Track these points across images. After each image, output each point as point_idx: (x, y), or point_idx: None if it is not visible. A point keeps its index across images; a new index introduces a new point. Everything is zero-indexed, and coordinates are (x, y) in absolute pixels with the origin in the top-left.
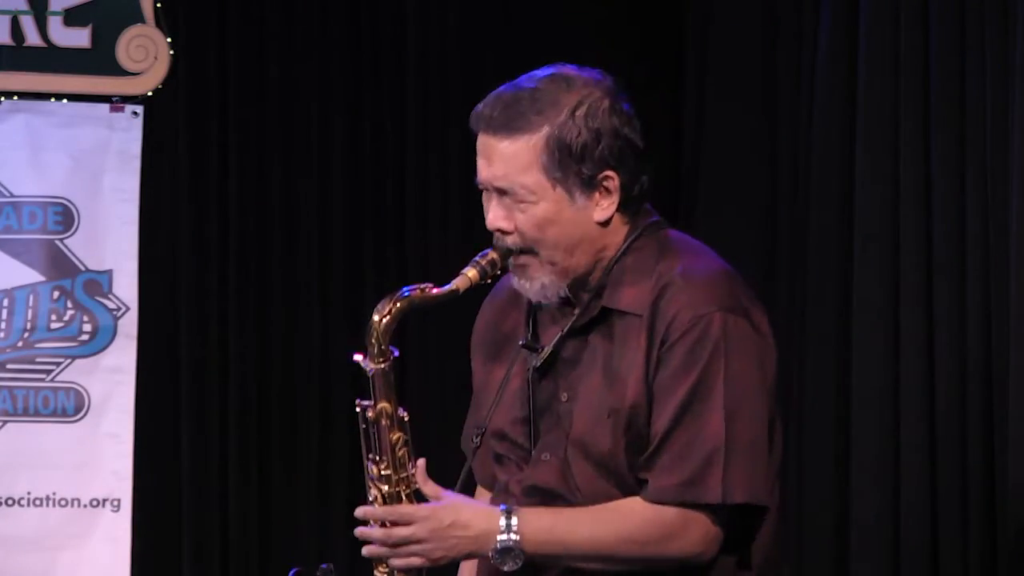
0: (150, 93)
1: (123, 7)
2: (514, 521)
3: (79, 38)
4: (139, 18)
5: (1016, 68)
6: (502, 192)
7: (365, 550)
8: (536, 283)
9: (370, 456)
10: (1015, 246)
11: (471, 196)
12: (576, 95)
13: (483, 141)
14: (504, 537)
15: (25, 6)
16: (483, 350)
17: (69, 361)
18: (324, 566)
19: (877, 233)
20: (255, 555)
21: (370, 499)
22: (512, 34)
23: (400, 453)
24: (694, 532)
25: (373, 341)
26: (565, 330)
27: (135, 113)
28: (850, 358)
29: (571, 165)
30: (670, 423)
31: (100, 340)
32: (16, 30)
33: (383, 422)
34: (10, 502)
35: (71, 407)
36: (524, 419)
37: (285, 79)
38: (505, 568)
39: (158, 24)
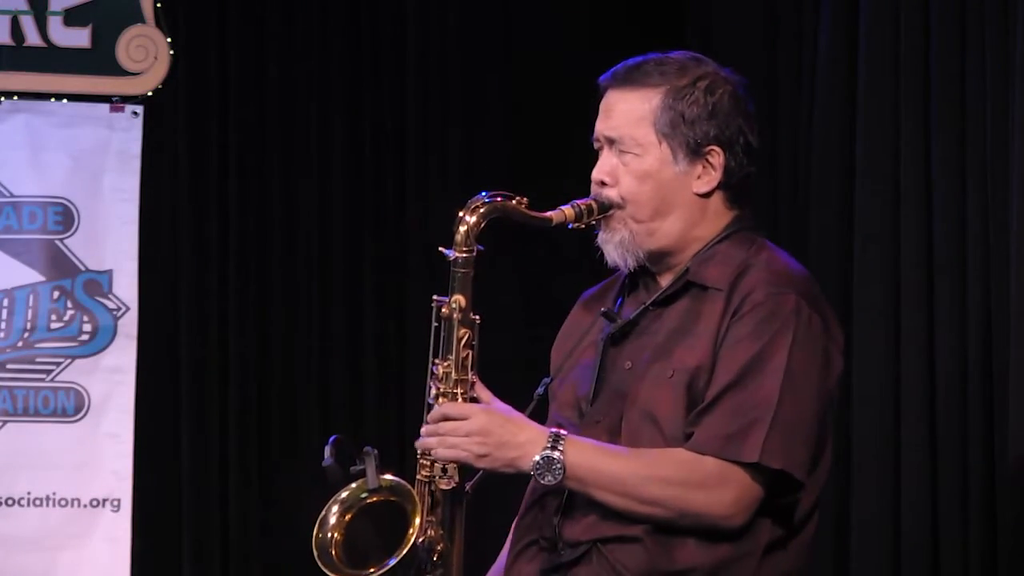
0: (150, 93)
1: (123, 7)
2: (562, 440)
3: (79, 38)
4: (139, 18)
5: (1016, 68)
6: (611, 142)
7: (418, 442)
8: (616, 236)
9: (435, 360)
10: (1015, 246)
11: (471, 196)
12: (703, 71)
13: (607, 96)
14: (549, 450)
15: (25, 6)
16: (563, 335)
17: (69, 361)
18: (367, 448)
19: (877, 233)
20: (255, 555)
21: (429, 400)
22: (512, 34)
23: (464, 355)
24: (729, 490)
25: (461, 231)
26: (648, 302)
27: (135, 113)
28: (850, 358)
29: (680, 126)
30: (726, 385)
31: (100, 340)
32: (16, 30)
33: (455, 316)
34: (10, 502)
35: (71, 407)
36: (591, 387)
37: (285, 79)
38: (543, 481)
39: (158, 24)
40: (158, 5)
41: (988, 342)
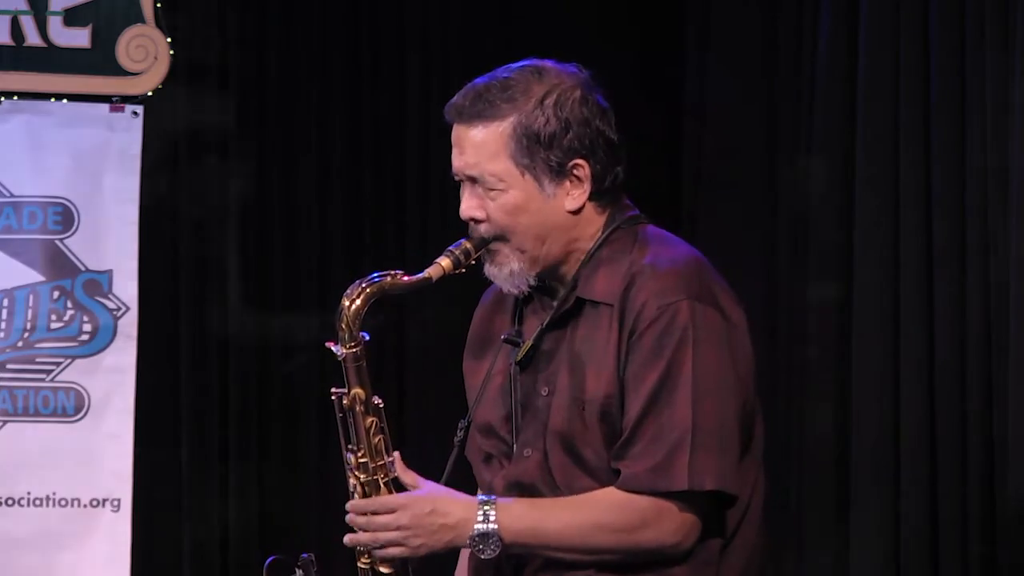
0: (150, 93)
1: (123, 7)
2: (491, 509)
3: (79, 38)
4: (139, 18)
5: (1016, 68)
6: (473, 180)
7: (347, 538)
8: (505, 269)
9: (348, 446)
10: (1015, 246)
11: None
12: (547, 85)
13: (456, 131)
14: (482, 524)
15: (25, 6)
16: (472, 352)
17: (69, 361)
18: (304, 556)
19: (877, 233)
20: (255, 555)
21: (350, 489)
22: (512, 34)
23: (376, 440)
24: (668, 521)
25: (343, 326)
26: (544, 323)
27: (135, 113)
28: (850, 358)
29: (539, 152)
30: (640, 413)
31: (100, 340)
32: (16, 30)
33: (357, 408)
34: (10, 502)
35: (71, 407)
36: (508, 415)
37: (285, 79)
38: (483, 556)
39: (158, 24)
40: (158, 5)
41: (988, 341)
